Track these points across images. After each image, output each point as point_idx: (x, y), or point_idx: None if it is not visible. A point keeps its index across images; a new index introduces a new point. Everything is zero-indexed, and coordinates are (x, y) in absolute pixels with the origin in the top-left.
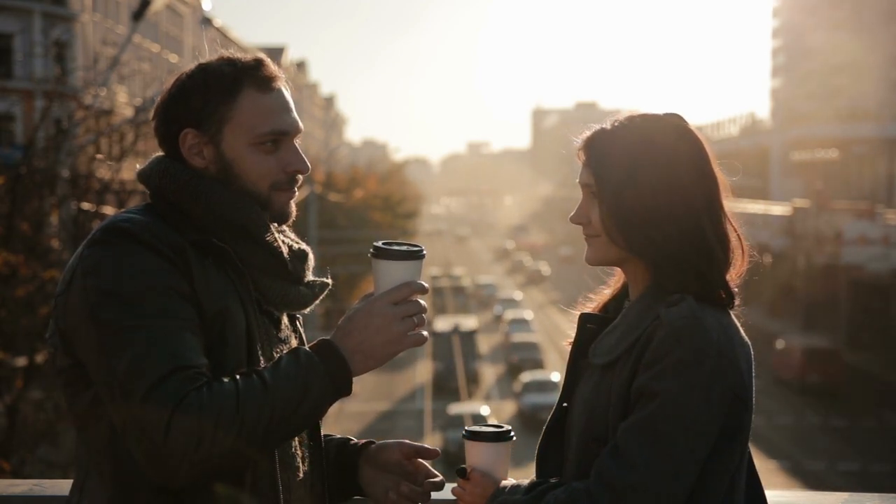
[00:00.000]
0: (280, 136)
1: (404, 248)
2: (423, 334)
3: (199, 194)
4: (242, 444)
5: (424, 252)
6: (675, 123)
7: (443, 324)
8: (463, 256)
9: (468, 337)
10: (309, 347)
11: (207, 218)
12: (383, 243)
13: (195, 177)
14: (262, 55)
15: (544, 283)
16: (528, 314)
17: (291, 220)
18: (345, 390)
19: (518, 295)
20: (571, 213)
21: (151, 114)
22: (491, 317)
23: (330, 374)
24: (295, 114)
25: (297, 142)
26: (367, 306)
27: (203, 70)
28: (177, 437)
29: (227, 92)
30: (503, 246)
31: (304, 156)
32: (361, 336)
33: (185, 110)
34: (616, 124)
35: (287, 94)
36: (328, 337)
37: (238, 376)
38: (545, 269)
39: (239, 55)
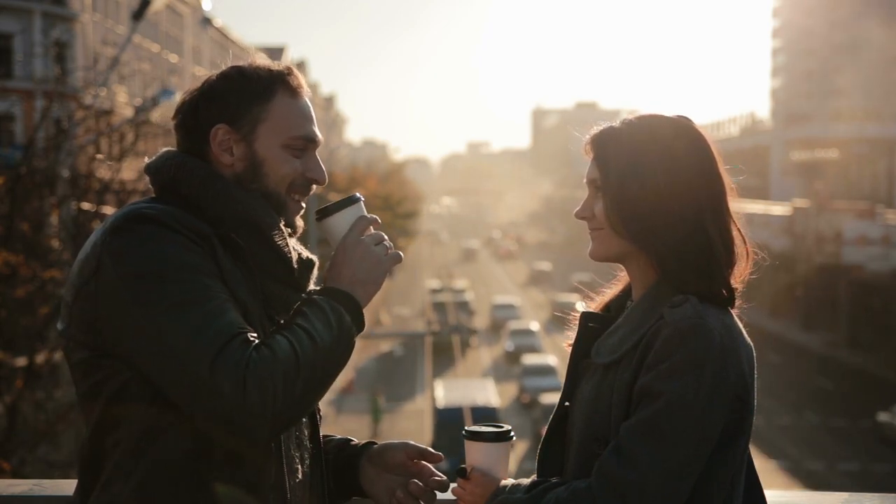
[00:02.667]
0: (309, 142)
1: (341, 200)
2: (398, 253)
3: (216, 190)
4: (309, 391)
5: (360, 196)
6: (683, 125)
7: (450, 394)
8: (471, 273)
9: (488, 418)
10: (323, 292)
11: (223, 214)
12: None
13: (213, 173)
14: (290, 65)
15: (514, 259)
16: (551, 359)
17: (298, 234)
18: (362, 324)
19: (534, 325)
20: (576, 209)
21: (174, 112)
22: (501, 351)
23: (349, 312)
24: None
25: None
26: (340, 247)
27: (239, 71)
28: (254, 394)
29: (263, 93)
30: (491, 236)
31: (324, 168)
32: (351, 270)
33: (220, 107)
34: (625, 123)
35: (311, 106)
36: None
37: (284, 332)
38: (514, 247)
39: (269, 63)
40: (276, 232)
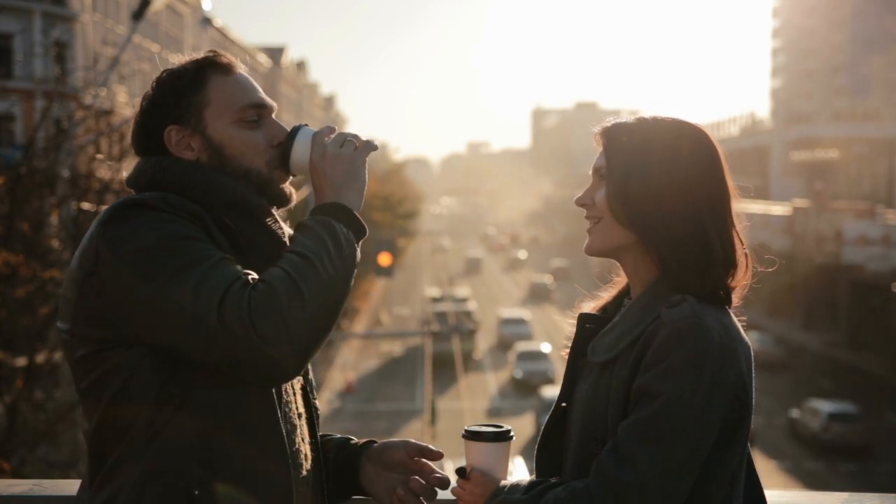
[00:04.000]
0: (260, 108)
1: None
2: (370, 141)
3: (197, 180)
4: (320, 308)
5: (304, 123)
6: (696, 129)
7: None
8: (476, 286)
9: None
10: (318, 210)
11: (209, 200)
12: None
13: (190, 164)
14: (214, 48)
15: (501, 251)
16: None
17: (292, 205)
18: (362, 229)
19: (546, 346)
20: (577, 195)
21: (129, 137)
22: (508, 377)
23: (339, 219)
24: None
25: None
26: (310, 169)
27: (168, 73)
28: (266, 327)
29: (195, 81)
30: (486, 232)
31: (287, 128)
32: (328, 181)
33: (162, 113)
34: (638, 119)
35: (251, 78)
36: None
37: (277, 262)
38: (504, 240)
39: (195, 53)
40: (265, 212)
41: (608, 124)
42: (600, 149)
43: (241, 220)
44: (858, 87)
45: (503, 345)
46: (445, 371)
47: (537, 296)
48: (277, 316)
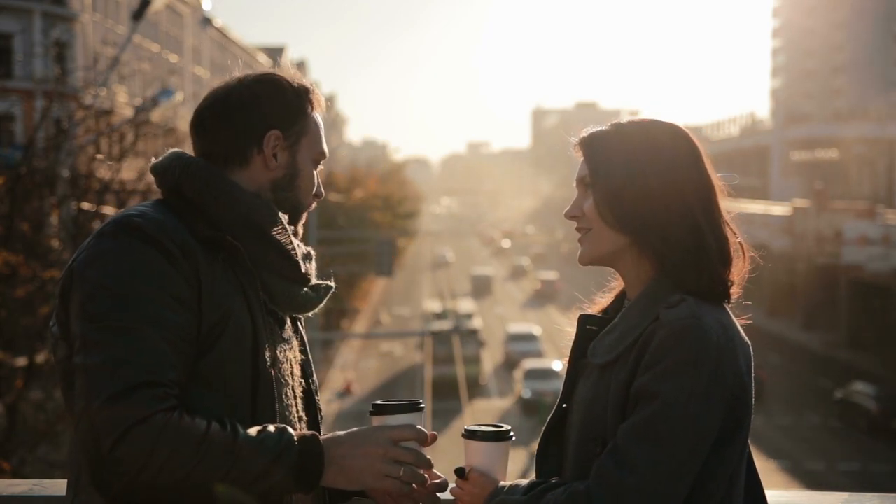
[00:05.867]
0: (323, 158)
1: (404, 403)
2: (390, 485)
3: (220, 191)
4: (185, 483)
5: (423, 405)
6: (672, 126)
7: None
8: (485, 302)
9: None
10: (299, 436)
11: (226, 215)
12: (381, 402)
13: (217, 174)
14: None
15: (492, 244)
16: None
17: (300, 237)
18: (304, 489)
19: (557, 364)
20: (566, 209)
21: (196, 117)
22: (515, 399)
23: (299, 469)
24: None
25: None
26: (369, 430)
27: (279, 80)
28: (126, 451)
29: (304, 107)
30: (481, 229)
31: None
32: (348, 452)
33: (270, 114)
34: (614, 124)
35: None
36: (322, 435)
37: (214, 421)
38: (497, 236)
39: (295, 76)
40: (280, 231)
41: (585, 134)
42: (581, 159)
43: (253, 238)
44: (858, 87)
45: (510, 363)
46: (448, 397)
47: (517, 274)
48: (147, 455)
